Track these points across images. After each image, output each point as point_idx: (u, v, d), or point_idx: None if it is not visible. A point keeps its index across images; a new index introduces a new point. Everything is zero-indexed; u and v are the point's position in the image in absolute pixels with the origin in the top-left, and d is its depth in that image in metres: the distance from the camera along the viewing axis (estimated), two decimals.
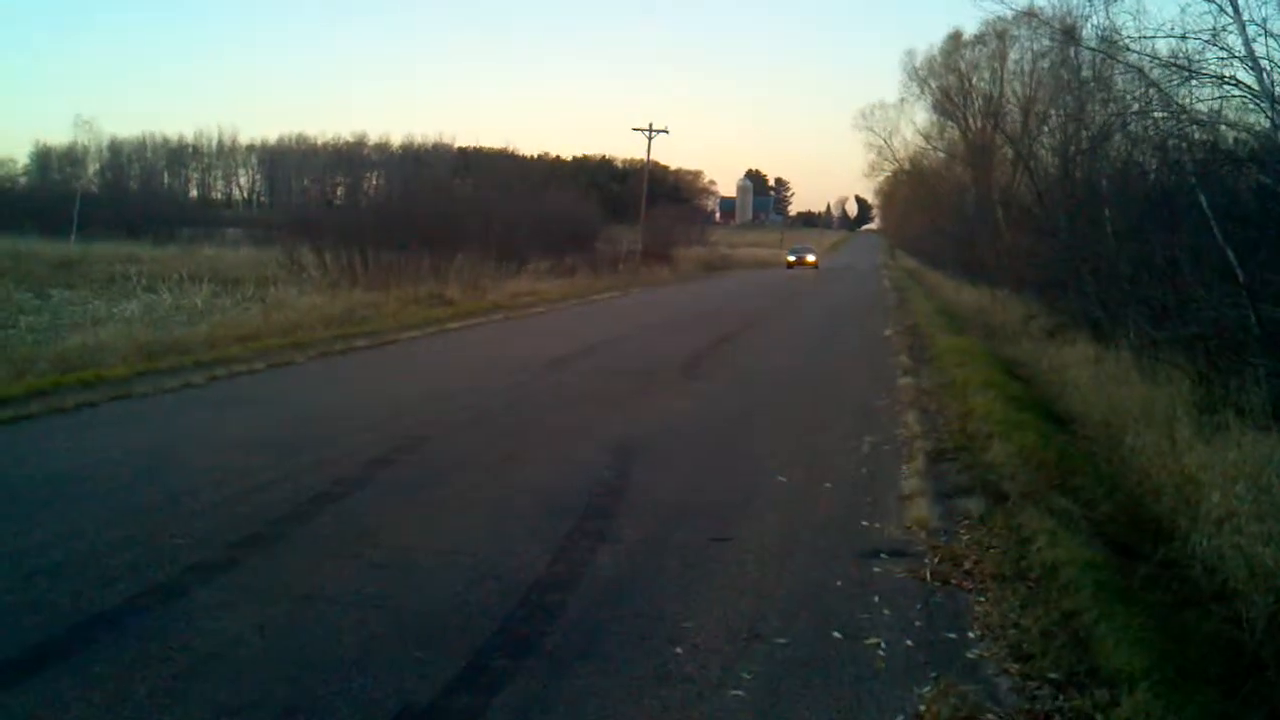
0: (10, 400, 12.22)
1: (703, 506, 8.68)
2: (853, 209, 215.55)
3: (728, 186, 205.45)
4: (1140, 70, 16.36)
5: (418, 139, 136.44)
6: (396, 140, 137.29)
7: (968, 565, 7.20)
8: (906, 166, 69.85)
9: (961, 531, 8.04)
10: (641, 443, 11.19)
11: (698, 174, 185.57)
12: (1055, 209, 27.66)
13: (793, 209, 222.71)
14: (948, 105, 54.88)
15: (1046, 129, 35.79)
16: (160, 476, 8.99)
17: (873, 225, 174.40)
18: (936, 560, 7.28)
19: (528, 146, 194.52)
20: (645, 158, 72.60)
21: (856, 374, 17.75)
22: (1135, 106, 17.80)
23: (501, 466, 9.90)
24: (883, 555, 7.40)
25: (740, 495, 9.15)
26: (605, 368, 17.30)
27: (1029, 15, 27.04)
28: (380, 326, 22.10)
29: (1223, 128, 15.34)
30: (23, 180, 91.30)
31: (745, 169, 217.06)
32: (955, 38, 52.39)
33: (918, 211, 70.75)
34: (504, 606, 6.18)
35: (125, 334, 17.79)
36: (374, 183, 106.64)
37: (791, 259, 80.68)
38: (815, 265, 79.78)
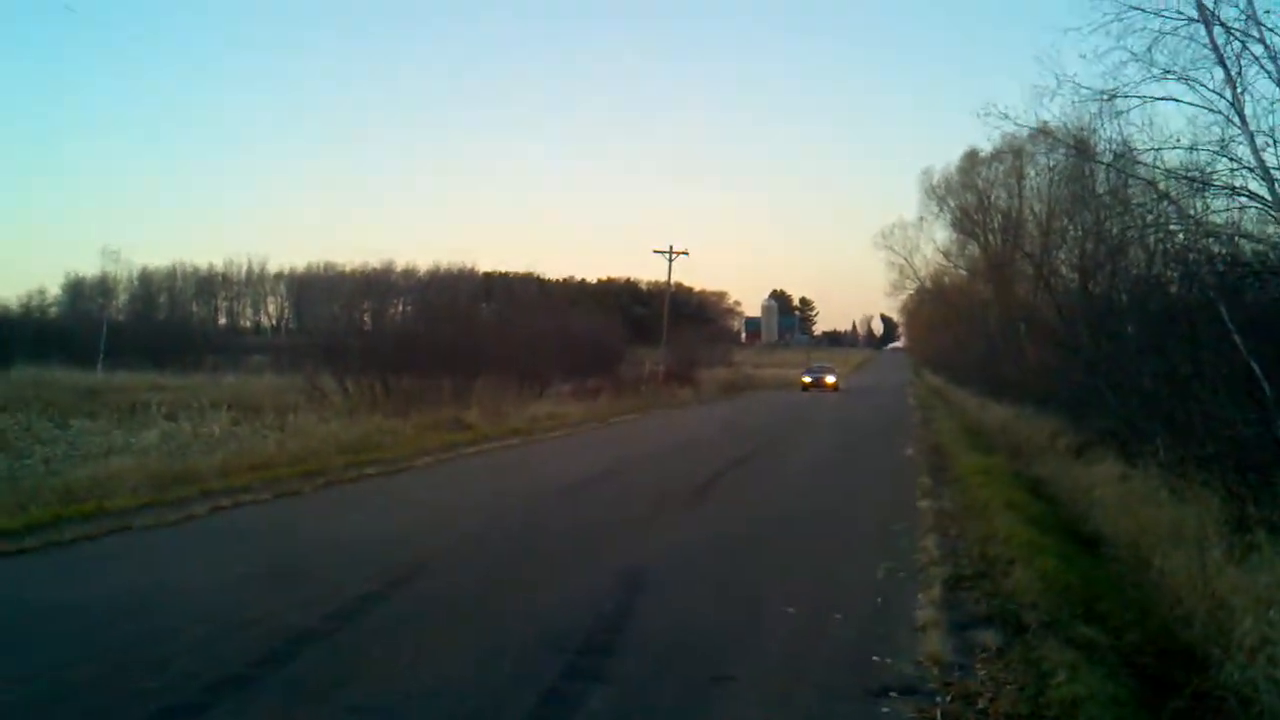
0: (8, 534, 11.94)
1: (705, 641, 8.28)
2: (878, 327, 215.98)
3: (753, 307, 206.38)
4: (1152, 183, 16.26)
5: (444, 265, 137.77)
6: (423, 266, 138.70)
7: (982, 704, 6.78)
8: (928, 284, 70.01)
9: (977, 666, 7.62)
10: (645, 573, 10.78)
11: (722, 295, 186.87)
12: (1076, 324, 27.42)
13: (818, 328, 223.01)
14: (967, 223, 55.10)
15: (1065, 244, 35.77)
16: (143, 614, 8.67)
17: (898, 343, 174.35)
18: (949, 699, 6.86)
19: (553, 270, 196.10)
20: (667, 280, 72.96)
21: (875, 497, 17.33)
22: (1150, 219, 17.66)
23: (497, 599, 9.53)
24: (892, 694, 6.98)
25: (746, 629, 8.74)
26: (614, 494, 16.98)
27: (1043, 133, 27.01)
28: (395, 453, 21.85)
29: (1240, 240, 15.14)
30: (53, 310, 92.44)
31: (770, 289, 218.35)
32: (971, 156, 52.69)
33: (941, 329, 70.74)
34: None
35: (136, 464, 17.54)
36: (400, 308, 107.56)
37: (807, 380, 70.67)
38: (835, 388, 69.02)
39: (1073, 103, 18.73)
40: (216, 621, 8.40)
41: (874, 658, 7.83)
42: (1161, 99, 15.31)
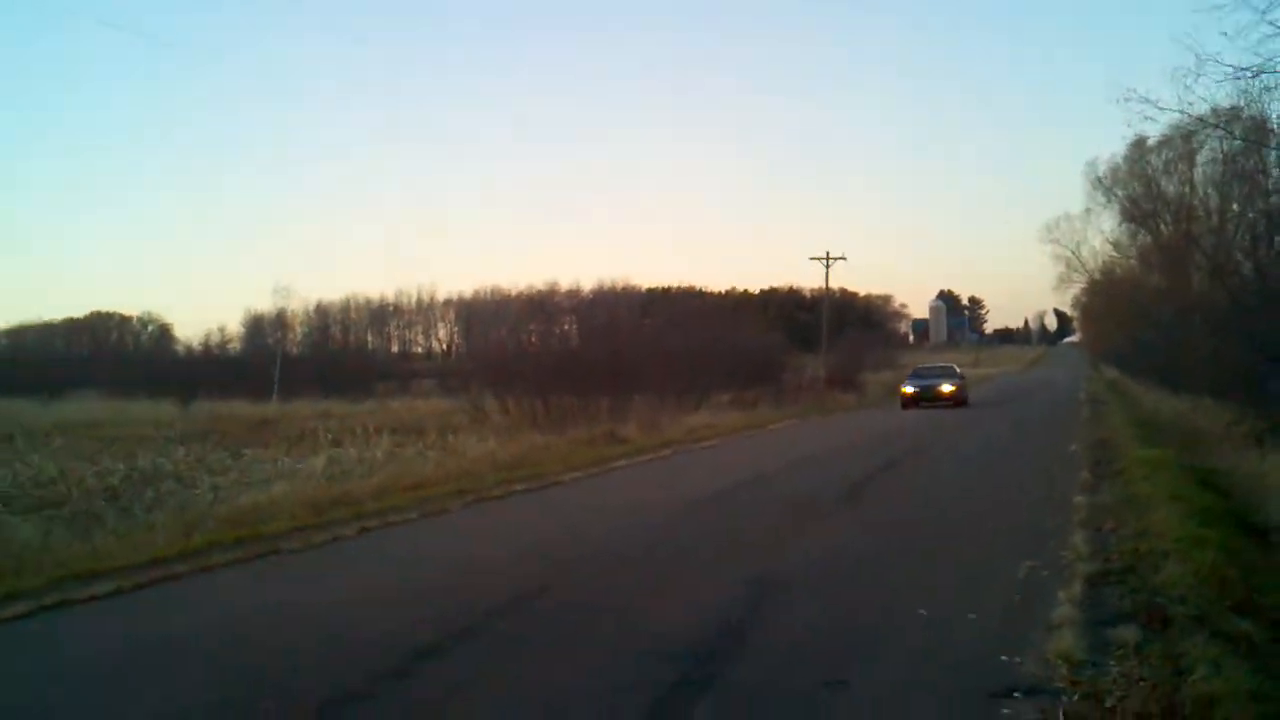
0: (163, 561, 12.40)
1: (828, 643, 8.06)
2: (1051, 323, 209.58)
3: (920, 308, 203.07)
4: None
5: (606, 283, 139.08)
6: (586, 286, 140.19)
7: (1110, 702, 6.39)
8: (1098, 276, 67.77)
9: (1110, 663, 7.19)
10: (780, 579, 10.54)
11: (888, 298, 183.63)
12: (1252, 309, 26.17)
13: (989, 326, 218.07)
14: (1136, 213, 53.29)
15: (1239, 229, 34.22)
16: (274, 634, 8.87)
17: (1074, 338, 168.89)
18: (1074, 697, 6.50)
19: (715, 282, 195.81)
20: (824, 285, 72.30)
21: (1031, 493, 16.69)
22: None
23: (622, 612, 9.40)
24: (1016, 694, 6.63)
25: (872, 630, 8.48)
26: (760, 499, 16.82)
27: (1201, 119, 25.77)
28: (545, 470, 22.03)
29: None
30: (233, 346, 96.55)
31: (937, 290, 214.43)
32: (1139, 144, 50.57)
33: (1114, 321, 68.36)
34: None
35: (295, 490, 18.14)
36: (566, 328, 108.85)
37: (909, 390, 46.71)
38: (954, 397, 45.62)
39: (1215, 81, 17.95)
40: (338, 641, 8.55)
41: (1002, 657, 7.48)
42: None
